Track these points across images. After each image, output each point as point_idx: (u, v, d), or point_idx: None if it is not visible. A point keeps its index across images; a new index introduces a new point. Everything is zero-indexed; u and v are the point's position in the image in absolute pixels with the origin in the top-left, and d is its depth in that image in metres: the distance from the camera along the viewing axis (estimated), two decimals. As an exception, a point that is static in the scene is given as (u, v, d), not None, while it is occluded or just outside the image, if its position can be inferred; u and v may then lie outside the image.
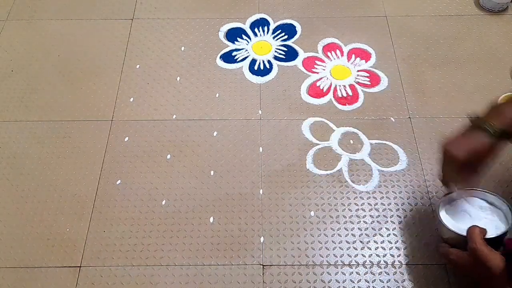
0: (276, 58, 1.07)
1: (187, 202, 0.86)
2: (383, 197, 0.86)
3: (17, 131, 0.96)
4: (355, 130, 0.95)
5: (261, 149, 0.93)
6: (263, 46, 1.09)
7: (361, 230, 0.82)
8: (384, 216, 0.84)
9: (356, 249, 0.80)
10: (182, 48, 1.10)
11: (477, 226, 0.65)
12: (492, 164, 0.67)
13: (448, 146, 0.66)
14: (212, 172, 0.90)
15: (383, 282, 0.76)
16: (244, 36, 1.11)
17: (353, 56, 1.07)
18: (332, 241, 0.81)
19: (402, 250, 0.80)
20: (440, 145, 0.67)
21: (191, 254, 0.80)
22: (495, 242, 0.65)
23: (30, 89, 1.03)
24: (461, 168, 0.66)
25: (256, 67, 1.06)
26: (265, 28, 1.13)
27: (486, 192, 0.72)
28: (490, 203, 0.72)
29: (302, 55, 1.08)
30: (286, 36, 1.11)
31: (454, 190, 0.72)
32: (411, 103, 0.98)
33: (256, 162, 0.91)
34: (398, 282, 0.76)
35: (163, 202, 0.86)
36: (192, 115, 0.98)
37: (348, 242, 0.81)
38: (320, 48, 1.09)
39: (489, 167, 0.67)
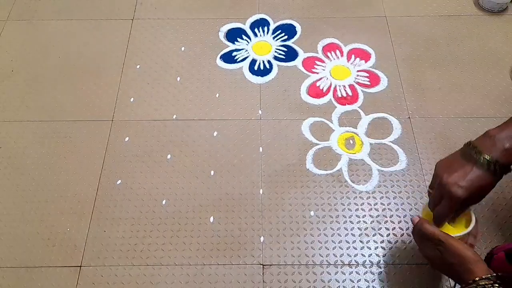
0: (276, 58, 1.07)
1: (187, 202, 0.86)
2: (382, 197, 0.86)
3: (18, 131, 0.96)
4: (355, 130, 0.95)
5: (261, 149, 0.93)
6: (263, 46, 1.10)
7: (361, 229, 0.82)
8: (383, 215, 0.84)
9: (356, 248, 0.80)
10: (182, 48, 1.10)
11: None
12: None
13: (447, 180, 0.59)
14: (212, 172, 0.90)
15: (383, 282, 0.77)
16: (244, 36, 1.12)
17: (353, 56, 1.07)
18: (332, 241, 0.81)
19: (402, 249, 0.80)
20: (436, 172, 0.62)
21: (191, 254, 0.80)
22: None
23: (30, 89, 1.03)
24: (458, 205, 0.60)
25: (256, 67, 1.06)
26: (265, 28, 1.13)
27: None
28: None
29: (302, 55, 1.08)
30: (286, 36, 1.11)
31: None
32: (411, 103, 0.98)
33: (256, 162, 0.91)
34: (398, 281, 0.77)
35: (163, 202, 0.86)
36: (192, 115, 0.98)
37: (348, 242, 0.81)
38: (320, 48, 1.09)
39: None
